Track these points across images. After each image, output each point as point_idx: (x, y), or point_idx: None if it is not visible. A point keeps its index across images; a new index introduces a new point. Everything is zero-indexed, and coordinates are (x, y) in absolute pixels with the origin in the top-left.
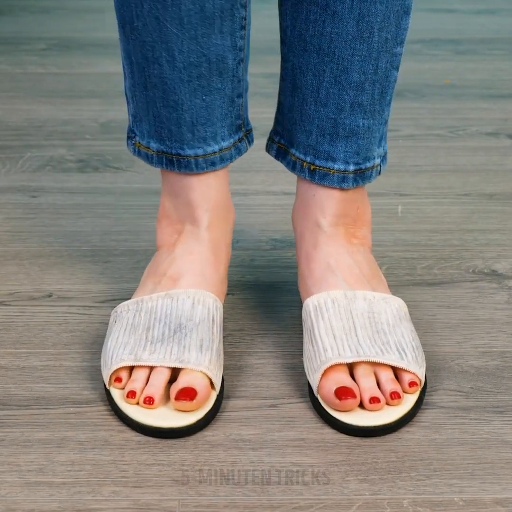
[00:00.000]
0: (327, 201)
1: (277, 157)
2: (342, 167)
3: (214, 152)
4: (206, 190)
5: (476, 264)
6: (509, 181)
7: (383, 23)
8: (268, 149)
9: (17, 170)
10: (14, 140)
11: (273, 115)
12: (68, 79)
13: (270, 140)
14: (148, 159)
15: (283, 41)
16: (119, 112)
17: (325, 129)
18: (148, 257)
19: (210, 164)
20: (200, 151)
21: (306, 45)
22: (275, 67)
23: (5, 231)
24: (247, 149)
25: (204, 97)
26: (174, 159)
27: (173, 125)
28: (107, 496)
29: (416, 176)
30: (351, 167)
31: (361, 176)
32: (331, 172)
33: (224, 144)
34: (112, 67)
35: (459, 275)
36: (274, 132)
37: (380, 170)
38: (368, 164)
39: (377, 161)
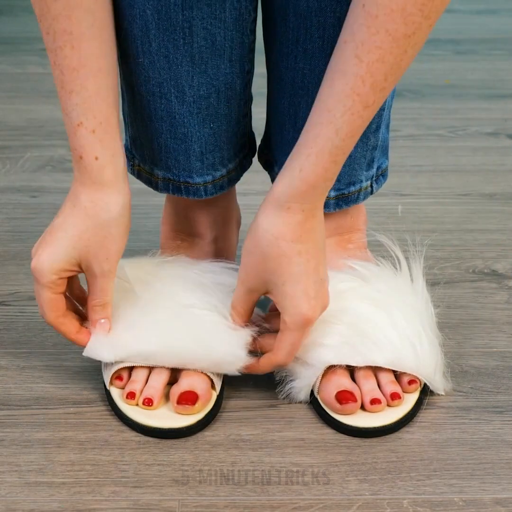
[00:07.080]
0: None
1: (265, 168)
2: None
3: (223, 176)
4: (211, 209)
5: (476, 264)
6: (509, 181)
7: None
8: (259, 158)
9: (17, 170)
10: (14, 140)
11: None
12: None
13: (260, 150)
14: (151, 184)
15: (266, 64)
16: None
17: None
18: None
19: (219, 188)
20: (209, 178)
21: (281, 75)
22: None
23: (5, 231)
24: (251, 163)
25: (212, 125)
26: (182, 186)
27: (181, 155)
28: (107, 496)
29: (416, 176)
30: (331, 193)
31: (345, 201)
32: None
33: (231, 166)
34: None
35: (459, 275)
36: (263, 143)
37: (372, 191)
38: (353, 189)
39: (366, 183)
